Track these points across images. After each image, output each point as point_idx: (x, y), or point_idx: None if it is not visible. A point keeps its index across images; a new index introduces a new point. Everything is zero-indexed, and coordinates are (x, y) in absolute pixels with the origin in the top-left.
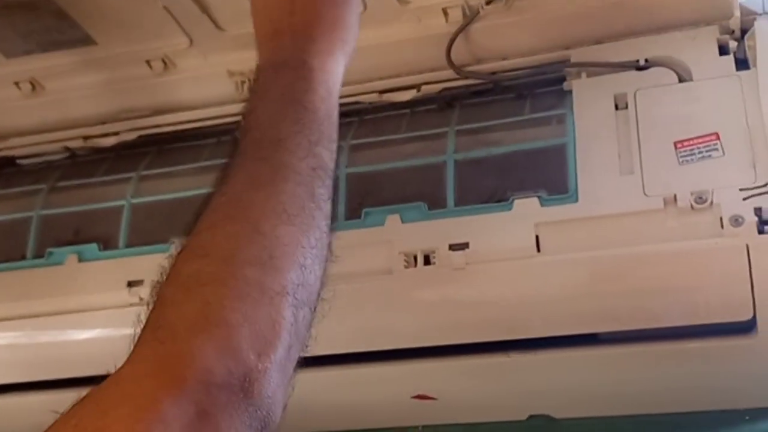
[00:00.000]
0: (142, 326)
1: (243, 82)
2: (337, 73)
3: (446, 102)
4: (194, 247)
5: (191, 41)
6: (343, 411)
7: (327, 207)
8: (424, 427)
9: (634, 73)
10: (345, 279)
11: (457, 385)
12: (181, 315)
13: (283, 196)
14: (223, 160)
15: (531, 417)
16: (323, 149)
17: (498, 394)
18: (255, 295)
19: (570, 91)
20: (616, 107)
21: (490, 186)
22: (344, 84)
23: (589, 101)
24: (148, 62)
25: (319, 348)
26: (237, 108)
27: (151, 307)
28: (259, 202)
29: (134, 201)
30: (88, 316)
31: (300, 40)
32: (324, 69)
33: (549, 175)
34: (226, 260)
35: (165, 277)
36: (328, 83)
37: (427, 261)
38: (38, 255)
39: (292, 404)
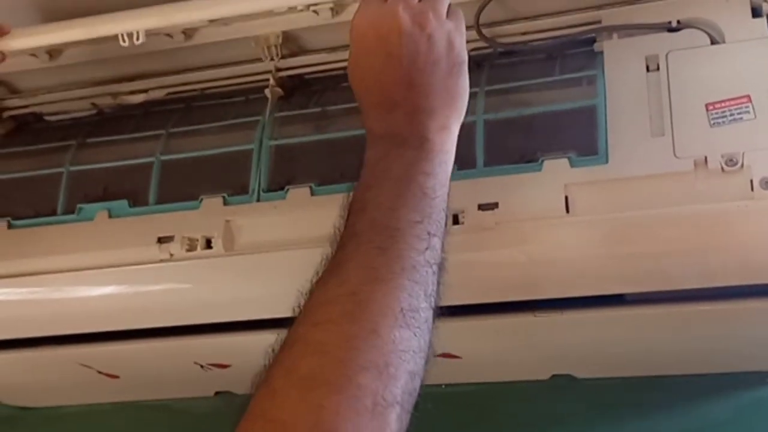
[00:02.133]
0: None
1: (268, 47)
2: (453, 151)
3: (475, 62)
4: (312, 341)
5: None
6: None
7: (437, 304)
8: (447, 385)
9: (665, 34)
10: None
11: (481, 344)
12: (294, 415)
13: (400, 294)
14: (252, 119)
15: (553, 376)
16: (438, 241)
17: (522, 353)
18: (367, 405)
19: (601, 53)
20: (648, 69)
21: (519, 146)
22: None
23: (620, 63)
24: None
25: None
26: (264, 66)
27: (260, 392)
28: (378, 300)
29: (164, 158)
30: (118, 271)
31: (420, 115)
32: (444, 149)
33: (579, 136)
34: (344, 363)
35: (276, 362)
36: (447, 165)
37: (456, 221)
38: (68, 210)
39: None
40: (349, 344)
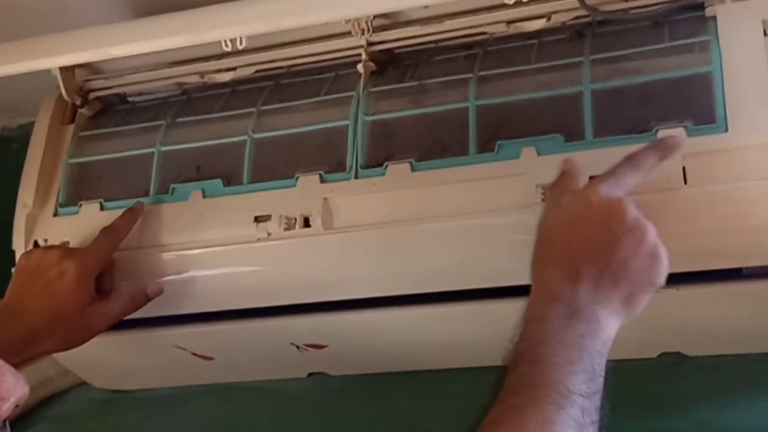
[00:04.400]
0: None
1: (359, 22)
2: (613, 338)
3: (576, 31)
4: None
5: None
6: (468, 347)
7: None
8: None
9: None
10: (478, 213)
11: None
12: None
13: None
14: (345, 94)
15: (662, 354)
16: (598, 417)
17: (629, 330)
18: None
19: (713, 17)
20: (765, 33)
21: (630, 116)
22: (471, 13)
23: (736, 27)
24: None
25: (452, 284)
26: (354, 41)
27: None
28: None
29: (256, 136)
30: (216, 251)
31: (601, 295)
32: (608, 331)
33: (694, 105)
34: None
35: None
36: (609, 345)
37: None
38: (161, 191)
39: (422, 340)
40: None
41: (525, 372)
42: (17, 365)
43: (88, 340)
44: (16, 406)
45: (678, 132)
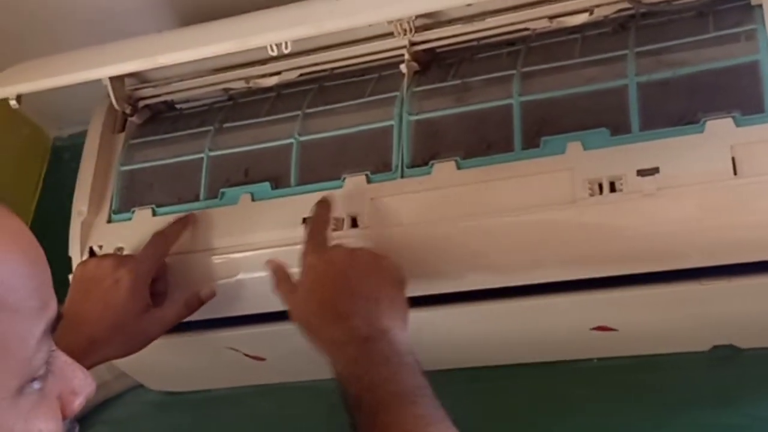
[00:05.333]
0: None
1: (401, 22)
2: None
3: (619, 24)
4: None
5: None
6: (517, 344)
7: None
8: (599, 359)
9: None
10: (525, 210)
11: (640, 315)
12: None
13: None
14: (389, 95)
15: (714, 348)
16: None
17: (681, 324)
18: None
19: (759, 6)
20: None
21: (677, 108)
22: (513, 10)
23: None
24: None
25: (502, 280)
26: (396, 42)
27: None
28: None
29: (302, 139)
30: (265, 254)
31: (375, 319)
32: (401, 333)
33: (742, 94)
34: None
35: None
36: (408, 340)
37: (612, 188)
38: (211, 195)
39: (473, 338)
40: None
41: (369, 399)
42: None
43: (145, 345)
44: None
45: (726, 122)
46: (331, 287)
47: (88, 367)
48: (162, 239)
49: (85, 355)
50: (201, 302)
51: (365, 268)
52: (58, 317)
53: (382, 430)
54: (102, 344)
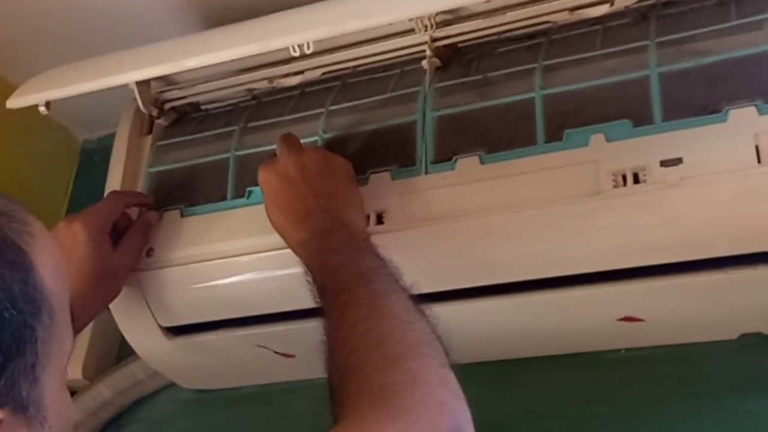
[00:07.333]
0: None
1: (425, 26)
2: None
3: (640, 15)
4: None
5: None
6: (544, 336)
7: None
8: (626, 350)
9: None
10: (550, 203)
11: (667, 305)
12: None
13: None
14: (411, 90)
15: (742, 336)
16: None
17: (709, 312)
18: None
19: None
20: None
21: (699, 98)
22: (533, 3)
23: None
24: None
25: (529, 273)
26: (418, 38)
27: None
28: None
29: (326, 136)
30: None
31: (332, 213)
32: (356, 225)
33: (765, 82)
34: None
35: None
36: (365, 233)
37: (636, 179)
38: (238, 195)
39: (499, 330)
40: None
41: (339, 289)
42: (86, 323)
43: (124, 280)
44: None
45: (749, 111)
46: (289, 195)
47: (88, 322)
48: (117, 195)
49: (83, 313)
50: (150, 224)
51: (316, 169)
52: None
53: (341, 309)
54: (91, 295)
